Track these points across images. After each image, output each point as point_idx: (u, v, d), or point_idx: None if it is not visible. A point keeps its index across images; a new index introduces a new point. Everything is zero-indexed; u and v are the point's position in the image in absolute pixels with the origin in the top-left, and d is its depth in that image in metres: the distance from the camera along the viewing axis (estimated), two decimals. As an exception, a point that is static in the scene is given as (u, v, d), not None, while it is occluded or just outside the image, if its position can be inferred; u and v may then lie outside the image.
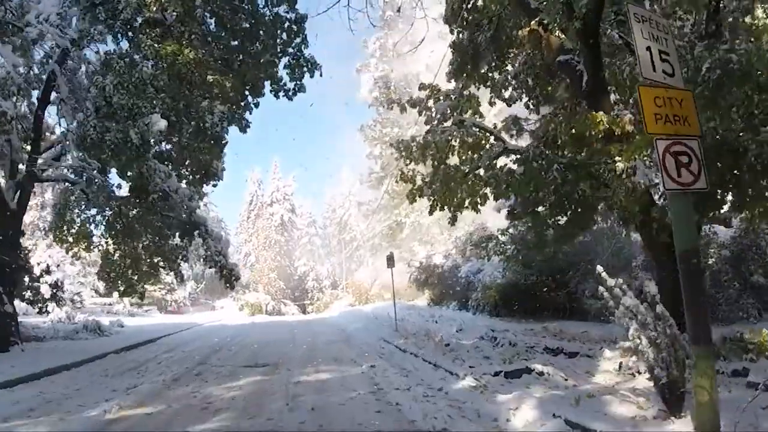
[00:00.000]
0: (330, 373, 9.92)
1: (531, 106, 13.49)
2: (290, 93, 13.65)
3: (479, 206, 11.45)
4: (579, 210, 9.72)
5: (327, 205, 66.14)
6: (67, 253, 19.00)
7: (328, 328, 21.12)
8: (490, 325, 18.39)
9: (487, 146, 13.02)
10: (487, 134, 13.51)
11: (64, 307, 26.87)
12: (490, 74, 13.83)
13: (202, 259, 16.73)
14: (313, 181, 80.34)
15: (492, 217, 29.49)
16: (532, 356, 10.55)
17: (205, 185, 19.26)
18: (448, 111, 13.83)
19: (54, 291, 27.12)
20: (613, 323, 6.31)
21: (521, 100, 13.98)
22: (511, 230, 21.51)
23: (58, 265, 28.96)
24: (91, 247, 18.28)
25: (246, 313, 47.88)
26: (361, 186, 39.35)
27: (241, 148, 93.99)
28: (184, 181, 19.34)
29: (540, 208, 10.42)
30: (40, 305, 26.53)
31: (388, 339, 15.14)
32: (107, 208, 17.80)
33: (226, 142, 18.79)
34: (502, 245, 21.35)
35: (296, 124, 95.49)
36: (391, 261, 16.63)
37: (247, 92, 13.60)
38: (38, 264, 26.54)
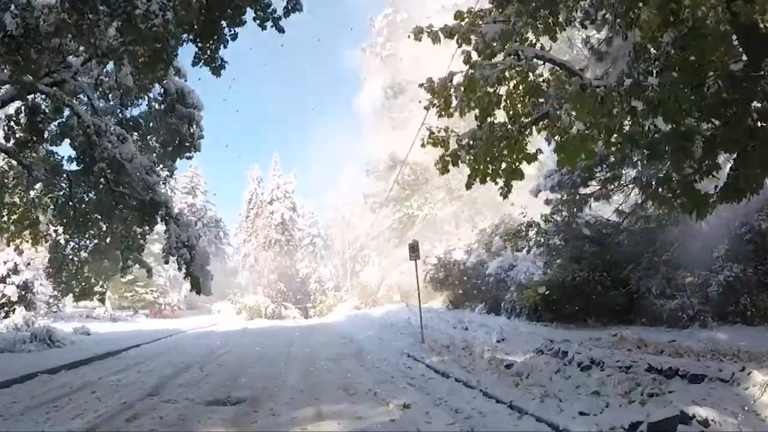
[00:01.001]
0: (338, 420, 5.91)
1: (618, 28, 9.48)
2: (279, 18, 9.70)
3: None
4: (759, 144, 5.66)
5: (330, 204, 62.14)
6: (8, 245, 14.96)
7: (333, 336, 17.10)
8: (535, 331, 14.56)
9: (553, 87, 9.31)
10: (557, 68, 9.71)
11: (31, 311, 23.05)
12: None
13: (162, 252, 12.69)
14: (315, 182, 76.35)
15: (523, 202, 25.45)
16: (655, 388, 6.58)
17: (179, 158, 15.29)
18: (496, 42, 9.82)
19: (22, 293, 23.27)
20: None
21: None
22: (556, 216, 17.60)
23: (29, 263, 24.88)
24: (39, 238, 14.26)
25: (244, 317, 43.92)
26: (368, 178, 35.51)
27: (241, 146, 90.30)
28: (154, 155, 15.42)
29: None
30: (6, 309, 22.71)
31: (414, 354, 11.14)
32: (55, 188, 13.85)
33: (200, 110, 14.90)
34: (544, 234, 17.37)
35: (295, 122, 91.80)
36: (415, 251, 12.62)
37: (223, 23, 9.67)
38: (4, 263, 22.66)
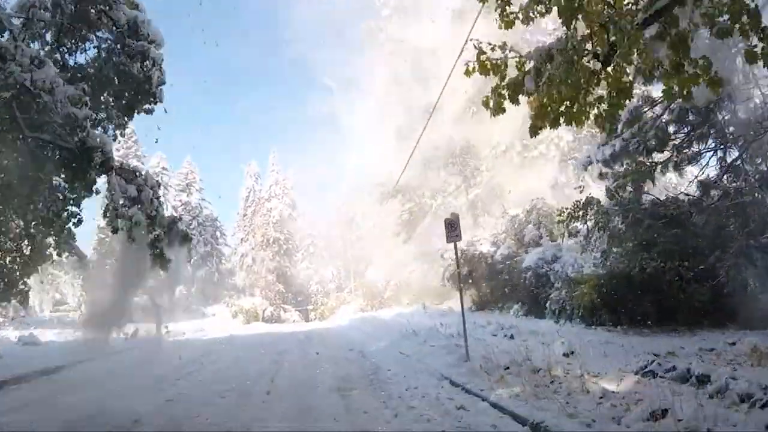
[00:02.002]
0: None
1: None
2: None
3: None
4: None
5: (331, 204, 57.95)
6: None
7: (338, 347, 13.05)
8: (606, 339, 10.94)
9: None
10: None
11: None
12: None
13: (104, 215, 8.70)
14: (316, 181, 72.25)
15: (545, 185, 21.37)
16: None
17: (136, 112, 11.33)
18: None
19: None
20: None
21: None
22: (620, 191, 13.64)
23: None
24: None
25: (240, 321, 40.00)
26: (373, 167, 31.47)
27: (239, 144, 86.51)
28: (106, 116, 11.45)
29: None
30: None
31: (461, 381, 7.16)
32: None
33: (159, 46, 10.90)
34: (605, 214, 13.40)
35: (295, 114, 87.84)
36: (454, 229, 8.44)
37: None
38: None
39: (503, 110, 7.60)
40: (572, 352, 9.57)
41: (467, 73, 7.39)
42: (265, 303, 42.41)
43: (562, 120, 7.35)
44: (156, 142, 44.51)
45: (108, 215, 8.63)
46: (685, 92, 5.98)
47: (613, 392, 5.99)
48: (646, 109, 14.44)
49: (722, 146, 13.37)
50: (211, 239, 54.63)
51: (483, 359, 8.27)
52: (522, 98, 7.50)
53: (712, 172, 13.93)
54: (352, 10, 44.56)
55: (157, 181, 10.87)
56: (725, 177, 13.11)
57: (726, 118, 13.05)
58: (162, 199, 9.91)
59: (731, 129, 13.09)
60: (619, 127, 14.70)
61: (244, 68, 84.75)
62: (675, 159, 13.46)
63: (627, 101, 6.90)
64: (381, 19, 30.50)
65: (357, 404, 6.43)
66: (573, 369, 7.75)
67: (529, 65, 7.13)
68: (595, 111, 7.12)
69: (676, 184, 16.55)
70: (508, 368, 7.87)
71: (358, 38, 34.40)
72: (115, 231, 9.18)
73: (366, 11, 32.71)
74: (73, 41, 11.62)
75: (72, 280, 44.47)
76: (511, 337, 11.71)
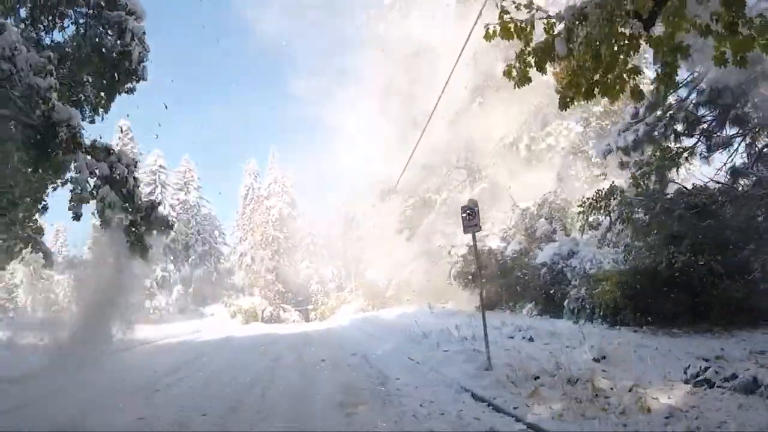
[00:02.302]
0: None
1: None
2: None
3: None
4: None
5: (331, 204, 56.70)
6: None
7: (339, 350, 11.88)
8: (639, 342, 9.73)
9: None
10: None
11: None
12: None
13: (70, 200, 7.51)
14: (316, 180, 70.92)
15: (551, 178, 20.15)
16: None
17: (118, 92, 10.17)
18: None
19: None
20: None
21: None
22: (644, 180, 12.50)
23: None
24: None
25: (239, 321, 38.90)
26: (374, 162, 30.29)
27: (239, 142, 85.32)
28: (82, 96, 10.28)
29: None
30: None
31: (486, 395, 6.00)
32: None
33: (140, 19, 9.72)
34: (628, 204, 12.26)
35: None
36: (473, 217, 7.22)
37: None
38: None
39: (529, 80, 6.66)
40: (603, 357, 8.44)
41: (487, 37, 6.37)
42: (265, 303, 41.28)
43: (596, 91, 6.36)
44: (156, 137, 43.24)
45: (73, 199, 7.46)
46: (738, 57, 4.91)
47: (680, 410, 4.86)
48: (670, 92, 13.36)
49: (751, 131, 12.24)
50: (210, 238, 53.42)
51: (507, 367, 7.12)
52: (549, 70, 6.49)
53: (738, 159, 12.85)
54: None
55: (134, 159, 9.71)
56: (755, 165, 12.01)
57: (756, 101, 11.94)
58: (138, 176, 8.77)
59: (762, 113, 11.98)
60: (641, 111, 13.60)
61: (244, 65, 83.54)
62: (705, 144, 12.34)
63: (681, 61, 5.85)
64: (383, 7, 29.40)
65: (364, 424, 5.29)
66: (614, 378, 6.63)
67: (560, 27, 6.14)
68: (632, 83, 6.14)
69: (699, 172, 15.39)
70: (538, 378, 6.73)
71: (358, 33, 33.38)
72: (77, 217, 7.99)
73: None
74: (50, 18, 10.48)
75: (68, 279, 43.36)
76: (530, 339, 10.56)
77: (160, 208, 10.45)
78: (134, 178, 8.33)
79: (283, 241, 46.60)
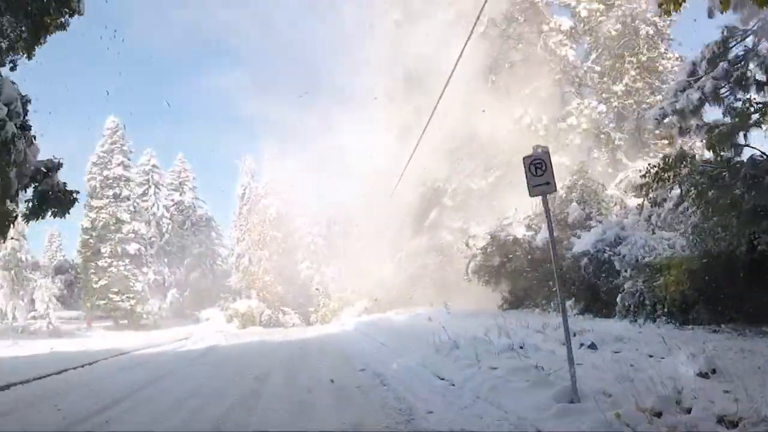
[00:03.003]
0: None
1: None
2: None
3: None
4: None
5: (332, 202, 53.92)
6: None
7: (343, 365, 9.31)
8: (737, 346, 7.24)
9: None
10: None
11: None
12: None
13: None
14: (317, 177, 68.12)
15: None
16: None
17: (46, 32, 7.59)
18: None
19: None
20: None
21: None
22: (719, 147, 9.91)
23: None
24: None
25: (235, 326, 36.41)
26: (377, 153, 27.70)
27: (236, 140, 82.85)
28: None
29: None
30: None
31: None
32: None
33: None
34: (702, 175, 9.72)
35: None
36: (539, 170, 4.74)
37: None
38: None
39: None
40: (713, 371, 5.94)
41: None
42: (262, 306, 38.72)
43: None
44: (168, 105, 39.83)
45: None
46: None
47: None
48: (732, 43, 10.91)
49: None
50: (206, 240, 50.87)
51: (603, 396, 4.57)
52: None
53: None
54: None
55: (26, 96, 7.11)
56: None
57: None
58: (29, 119, 6.25)
59: None
60: (702, 66, 11.13)
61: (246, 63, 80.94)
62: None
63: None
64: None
65: None
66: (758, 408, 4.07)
67: None
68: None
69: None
70: (659, 415, 4.20)
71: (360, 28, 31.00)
72: None
73: None
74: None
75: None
76: (592, 347, 8.01)
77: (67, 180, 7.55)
78: (20, 126, 5.76)
79: (281, 240, 44.03)
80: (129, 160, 40.54)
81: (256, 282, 40.90)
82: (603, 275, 11.93)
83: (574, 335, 8.94)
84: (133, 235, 37.33)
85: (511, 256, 14.89)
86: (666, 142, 15.07)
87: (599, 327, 9.95)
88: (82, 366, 11.51)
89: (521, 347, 7.40)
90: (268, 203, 45.16)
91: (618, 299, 10.78)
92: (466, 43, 10.95)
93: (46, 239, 57.67)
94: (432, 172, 22.14)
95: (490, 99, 21.86)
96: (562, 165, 18.66)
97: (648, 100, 22.01)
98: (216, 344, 16.32)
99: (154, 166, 48.25)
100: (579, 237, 13.27)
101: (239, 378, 8.28)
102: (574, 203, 14.83)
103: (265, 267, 41.49)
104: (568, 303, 12.91)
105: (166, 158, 58.42)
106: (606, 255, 11.90)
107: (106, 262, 36.15)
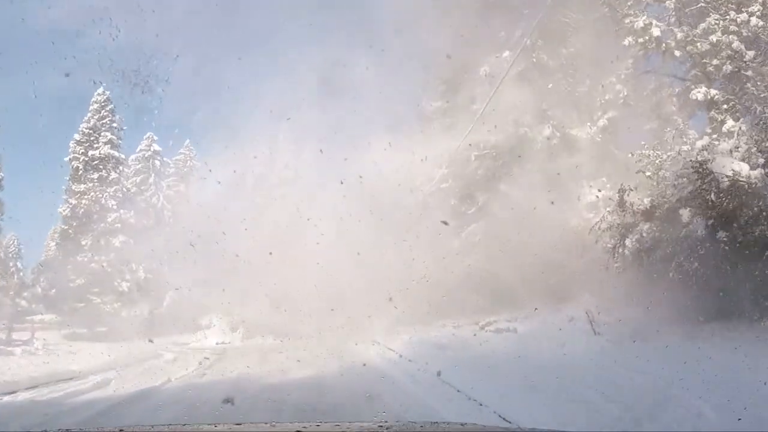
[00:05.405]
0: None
1: None
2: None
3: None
4: None
5: (357, 183, 46.46)
6: None
7: None
8: None
9: None
10: None
11: None
12: None
13: None
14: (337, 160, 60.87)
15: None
16: None
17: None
18: None
19: None
20: None
21: None
22: None
23: None
24: None
25: (239, 336, 29.38)
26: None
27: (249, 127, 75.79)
28: None
29: None
30: None
31: None
32: None
33: None
34: None
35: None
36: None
37: None
38: None
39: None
40: None
41: None
42: (274, 312, 31.49)
43: None
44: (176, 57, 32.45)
45: None
46: None
47: None
48: None
49: None
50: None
51: None
52: None
53: None
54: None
55: None
56: None
57: None
58: None
59: None
60: None
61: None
62: None
63: None
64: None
65: None
66: None
67: None
68: None
69: None
70: None
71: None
72: None
73: None
74: None
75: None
76: None
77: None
78: None
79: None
80: (119, 138, 33.78)
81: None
82: None
83: None
84: (119, 225, 30.43)
85: (726, 212, 7.16)
86: None
87: None
88: None
89: None
90: (283, 193, 38.32)
91: None
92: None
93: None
94: (516, 111, 14.44)
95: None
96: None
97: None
98: (161, 385, 8.69)
99: (155, 151, 41.35)
100: None
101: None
102: None
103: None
104: None
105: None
106: None
107: (86, 257, 29.30)
